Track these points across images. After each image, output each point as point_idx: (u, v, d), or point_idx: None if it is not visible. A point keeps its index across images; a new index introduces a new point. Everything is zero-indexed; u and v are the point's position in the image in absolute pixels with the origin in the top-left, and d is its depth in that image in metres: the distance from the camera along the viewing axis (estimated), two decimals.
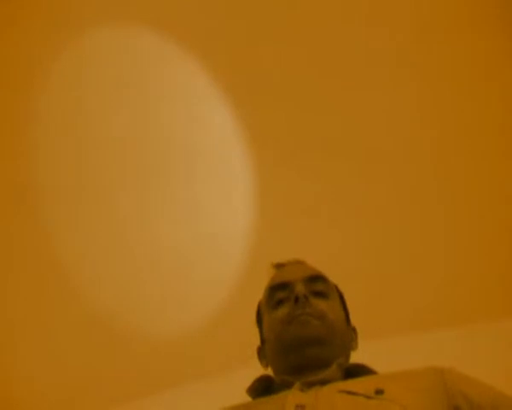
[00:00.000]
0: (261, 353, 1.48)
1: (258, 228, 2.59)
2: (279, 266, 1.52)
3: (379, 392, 1.17)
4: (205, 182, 2.60)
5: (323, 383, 1.25)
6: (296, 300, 1.36)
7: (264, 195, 2.56)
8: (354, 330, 1.50)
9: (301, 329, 1.33)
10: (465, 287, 2.41)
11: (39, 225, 2.61)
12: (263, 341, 1.47)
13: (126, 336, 2.69)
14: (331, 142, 2.49)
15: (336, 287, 1.51)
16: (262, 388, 1.36)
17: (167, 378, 2.68)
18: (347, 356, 1.42)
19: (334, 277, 1.52)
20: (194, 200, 2.61)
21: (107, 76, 2.44)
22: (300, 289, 1.38)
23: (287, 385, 1.27)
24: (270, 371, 1.44)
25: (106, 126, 2.51)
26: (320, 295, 1.41)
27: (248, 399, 1.39)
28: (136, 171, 2.58)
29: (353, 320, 1.52)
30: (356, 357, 1.43)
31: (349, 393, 1.18)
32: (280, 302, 1.41)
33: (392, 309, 2.42)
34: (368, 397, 1.16)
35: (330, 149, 2.50)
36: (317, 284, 1.43)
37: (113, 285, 2.66)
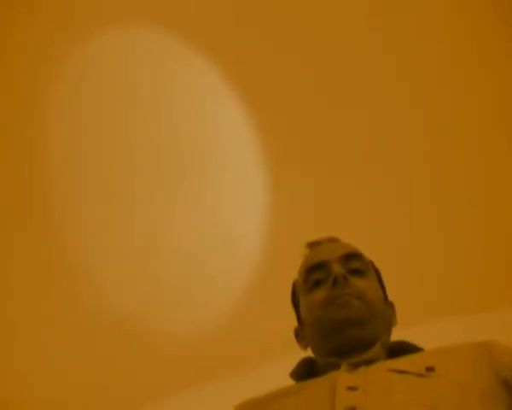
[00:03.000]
0: (299, 334, 1.45)
1: (272, 225, 2.57)
2: (313, 246, 1.49)
3: (430, 369, 1.14)
4: (218, 180, 2.59)
5: (369, 363, 1.22)
6: (334, 281, 1.33)
7: (278, 191, 2.55)
8: (392, 305, 1.47)
9: (342, 310, 1.30)
10: (502, 271, 2.39)
11: (52, 225, 2.59)
12: (300, 322, 1.44)
13: (143, 337, 2.68)
14: (344, 138, 2.49)
15: (372, 263, 1.47)
16: (305, 371, 1.34)
17: (184, 379, 2.67)
18: (389, 334, 1.39)
19: None
20: (208, 199, 2.60)
21: (120, 75, 2.43)
22: (338, 269, 1.35)
23: (331, 367, 1.25)
24: (309, 353, 1.42)
25: (118, 125, 2.49)
26: (357, 273, 1.38)
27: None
28: (150, 170, 2.56)
29: None
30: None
31: (399, 372, 1.15)
32: (317, 283, 1.38)
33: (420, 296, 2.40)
34: (419, 375, 1.13)
35: (343, 145, 2.50)
36: (354, 261, 1.40)
37: (128, 286, 2.65)
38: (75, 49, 2.34)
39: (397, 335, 1.42)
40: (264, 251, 2.60)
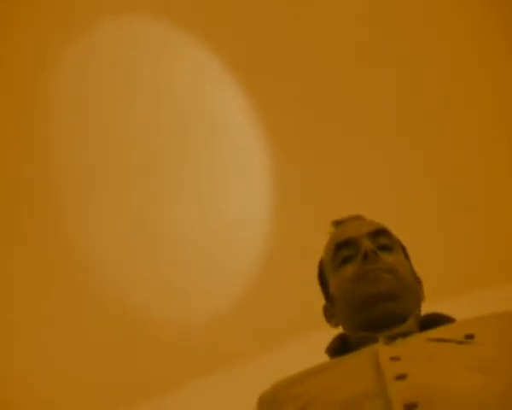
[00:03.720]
0: (328, 312, 1.45)
1: (276, 212, 2.57)
2: (339, 223, 1.49)
3: (469, 337, 1.15)
4: (221, 168, 2.59)
5: (404, 335, 1.22)
6: (365, 256, 1.33)
7: (282, 181, 2.55)
8: (419, 280, 1.48)
9: (373, 285, 1.30)
10: None
11: (54, 216, 2.57)
12: (330, 300, 1.44)
13: (146, 328, 2.67)
14: (347, 127, 2.49)
15: (398, 240, 1.48)
16: (340, 347, 1.34)
17: (190, 368, 2.66)
18: (419, 308, 1.40)
19: None
20: (210, 187, 2.59)
21: (121, 65, 2.42)
22: (368, 244, 1.35)
23: (367, 341, 1.25)
24: (339, 330, 1.42)
25: (120, 116, 2.48)
26: (386, 248, 1.38)
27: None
28: (153, 160, 2.55)
29: None
30: None
31: (439, 340, 1.15)
32: (346, 260, 1.38)
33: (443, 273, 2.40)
34: (460, 343, 1.13)
35: (346, 130, 2.50)
36: (382, 237, 1.40)
37: (131, 277, 2.64)
38: (76, 38, 2.33)
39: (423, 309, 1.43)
40: (268, 239, 2.59)
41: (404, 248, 1.48)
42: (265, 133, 2.51)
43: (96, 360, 2.71)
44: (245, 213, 2.59)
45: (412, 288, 1.37)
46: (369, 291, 1.30)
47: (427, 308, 1.43)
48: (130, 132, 2.48)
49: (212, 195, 2.58)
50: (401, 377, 1.02)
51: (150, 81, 2.42)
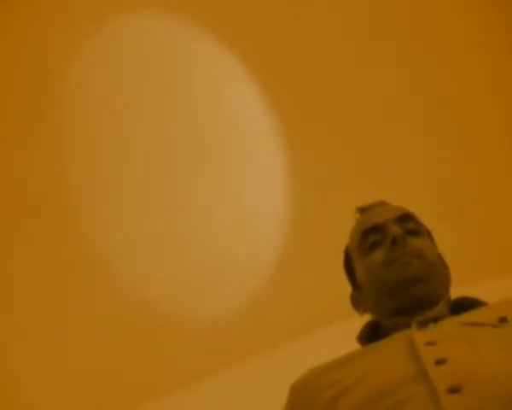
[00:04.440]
0: (356, 300, 1.44)
1: (292, 211, 2.57)
2: (364, 210, 1.49)
3: (503, 320, 1.14)
4: (236, 163, 2.58)
5: (436, 320, 1.22)
6: (394, 241, 1.32)
7: (297, 178, 2.55)
8: (446, 265, 1.47)
9: (403, 270, 1.30)
10: None
11: (70, 216, 2.57)
12: (357, 287, 1.44)
13: (164, 323, 2.66)
14: (363, 119, 2.48)
15: (424, 224, 1.47)
16: (371, 334, 1.34)
17: (208, 364, 2.66)
18: (449, 292, 1.39)
19: None
20: (227, 186, 2.58)
21: (135, 62, 2.41)
22: (396, 229, 1.35)
23: (399, 327, 1.24)
24: (367, 317, 1.42)
25: (134, 113, 2.47)
26: (414, 233, 1.38)
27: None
28: (168, 159, 2.54)
29: None
30: None
31: (473, 324, 1.15)
32: (373, 246, 1.38)
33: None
34: (494, 326, 1.13)
35: (362, 127, 2.49)
36: (409, 222, 1.40)
37: (148, 273, 2.63)
38: (90, 34, 2.32)
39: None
40: (282, 236, 2.59)
41: (429, 233, 1.48)
42: (280, 129, 2.51)
43: (104, 359, 2.70)
44: (259, 210, 2.58)
45: (441, 272, 1.36)
46: (399, 276, 1.30)
47: (454, 293, 1.42)
48: (143, 128, 2.47)
49: (226, 192, 2.57)
50: (441, 361, 1.02)
51: (164, 80, 2.42)
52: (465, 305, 1.31)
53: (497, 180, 2.47)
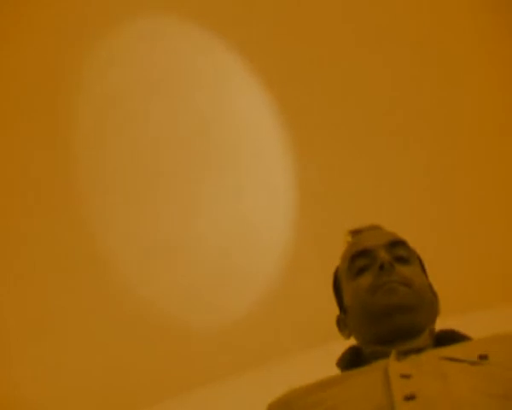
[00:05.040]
0: (342, 323, 1.43)
1: (300, 215, 2.56)
2: (356, 233, 1.47)
3: (483, 357, 1.12)
4: (244, 170, 2.57)
5: (417, 351, 1.21)
6: (381, 267, 1.31)
7: (305, 184, 2.53)
8: (435, 294, 1.46)
9: (389, 297, 1.28)
10: None
11: (79, 223, 2.57)
12: (343, 310, 1.43)
13: (166, 328, 2.66)
14: (372, 129, 2.46)
15: (415, 252, 1.46)
16: (351, 359, 1.32)
17: (213, 370, 2.65)
18: (434, 323, 1.37)
19: None
20: (235, 188, 2.58)
21: (144, 65, 2.41)
22: (384, 255, 1.33)
23: (379, 355, 1.23)
24: (352, 341, 1.40)
25: (144, 116, 2.47)
26: (403, 260, 1.36)
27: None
28: (176, 161, 2.54)
29: None
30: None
31: (452, 360, 1.13)
32: (361, 270, 1.36)
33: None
34: (473, 363, 1.11)
35: (372, 137, 2.47)
36: (399, 249, 1.38)
37: (154, 278, 2.62)
38: (99, 37, 2.33)
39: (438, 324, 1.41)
40: (291, 241, 2.58)
41: (421, 261, 1.46)
42: (289, 138, 2.50)
43: (111, 363, 2.70)
44: (266, 219, 2.58)
45: (428, 301, 1.35)
46: (383, 303, 1.29)
47: (443, 323, 1.41)
48: (153, 133, 2.47)
49: (233, 199, 2.56)
50: (410, 397, 1.01)
51: (174, 84, 2.42)
52: (449, 338, 1.30)
53: (498, 208, 2.45)
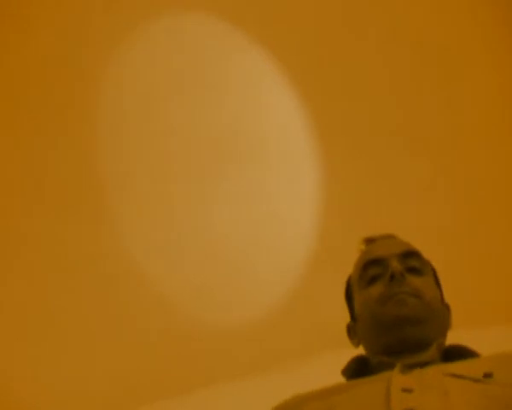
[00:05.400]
0: (352, 330, 1.43)
1: (326, 215, 2.55)
2: (370, 241, 1.46)
3: (487, 376, 1.11)
4: (270, 170, 2.56)
5: (424, 364, 1.20)
6: (392, 277, 1.30)
7: (330, 180, 2.52)
8: (448, 307, 1.44)
9: (398, 308, 1.27)
10: None
11: (101, 216, 2.57)
12: (354, 318, 1.42)
13: (190, 327, 2.66)
14: (396, 126, 2.44)
15: (429, 263, 1.44)
16: (357, 369, 1.32)
17: (229, 370, 2.65)
18: (444, 336, 1.36)
19: None
20: (261, 187, 2.57)
21: (177, 63, 2.41)
22: (396, 265, 1.32)
23: (385, 367, 1.22)
24: (361, 350, 1.40)
25: (173, 113, 2.47)
26: (415, 271, 1.35)
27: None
28: (203, 161, 2.54)
29: None
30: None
31: (456, 376, 1.12)
32: (373, 279, 1.36)
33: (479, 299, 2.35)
34: (476, 381, 1.10)
35: (395, 134, 2.45)
36: (412, 259, 1.37)
37: (175, 277, 2.63)
38: (131, 35, 2.34)
39: (450, 337, 1.39)
40: (316, 242, 2.57)
41: (435, 273, 1.45)
42: (317, 144, 2.49)
43: (115, 361, 2.71)
44: (288, 222, 2.57)
45: (438, 314, 1.33)
46: (392, 314, 1.28)
47: (455, 336, 1.39)
48: (182, 129, 2.47)
49: (257, 200, 2.56)
50: None
51: (203, 77, 2.42)
52: (458, 353, 1.28)
53: None
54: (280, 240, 2.58)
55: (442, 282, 1.46)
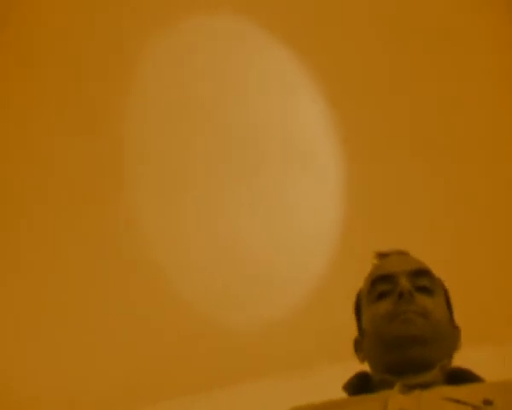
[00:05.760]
0: (358, 345, 1.42)
1: (348, 222, 2.53)
2: (382, 256, 1.45)
3: (487, 403, 1.09)
4: (294, 177, 2.55)
5: (425, 386, 1.18)
6: (400, 295, 1.29)
7: (355, 189, 2.50)
8: (458, 329, 1.42)
9: (405, 327, 1.26)
10: None
11: (123, 223, 2.58)
12: (361, 333, 1.41)
13: (198, 326, 2.66)
14: (421, 136, 2.41)
15: (441, 282, 1.42)
16: (359, 385, 1.31)
17: (244, 373, 2.65)
18: (450, 358, 1.34)
19: None
20: (283, 193, 2.57)
21: (199, 64, 2.40)
22: (405, 283, 1.31)
23: (386, 385, 1.21)
24: (366, 366, 1.39)
25: (195, 116, 2.47)
26: (425, 290, 1.33)
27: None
28: (227, 168, 2.54)
29: None
30: (459, 362, 1.35)
31: (455, 401, 1.10)
32: (382, 295, 1.34)
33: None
34: (475, 408, 1.08)
35: (420, 143, 2.42)
36: (423, 278, 1.35)
37: (197, 280, 2.63)
38: (153, 36, 2.34)
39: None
40: (337, 250, 2.56)
41: (446, 293, 1.43)
42: (343, 151, 2.47)
43: (137, 361, 2.72)
44: (311, 227, 2.56)
45: (445, 336, 1.31)
46: (399, 333, 1.26)
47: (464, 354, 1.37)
48: (203, 133, 2.47)
49: (280, 204, 2.55)
50: None
51: (227, 80, 2.41)
52: (462, 376, 1.26)
53: None
54: (301, 242, 2.57)
55: (453, 297, 1.44)
